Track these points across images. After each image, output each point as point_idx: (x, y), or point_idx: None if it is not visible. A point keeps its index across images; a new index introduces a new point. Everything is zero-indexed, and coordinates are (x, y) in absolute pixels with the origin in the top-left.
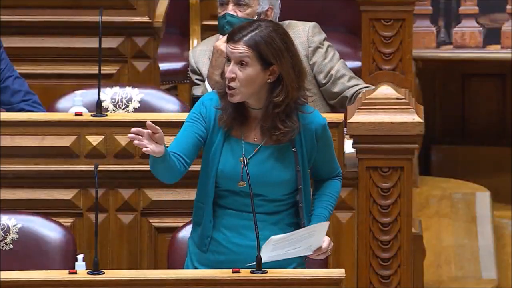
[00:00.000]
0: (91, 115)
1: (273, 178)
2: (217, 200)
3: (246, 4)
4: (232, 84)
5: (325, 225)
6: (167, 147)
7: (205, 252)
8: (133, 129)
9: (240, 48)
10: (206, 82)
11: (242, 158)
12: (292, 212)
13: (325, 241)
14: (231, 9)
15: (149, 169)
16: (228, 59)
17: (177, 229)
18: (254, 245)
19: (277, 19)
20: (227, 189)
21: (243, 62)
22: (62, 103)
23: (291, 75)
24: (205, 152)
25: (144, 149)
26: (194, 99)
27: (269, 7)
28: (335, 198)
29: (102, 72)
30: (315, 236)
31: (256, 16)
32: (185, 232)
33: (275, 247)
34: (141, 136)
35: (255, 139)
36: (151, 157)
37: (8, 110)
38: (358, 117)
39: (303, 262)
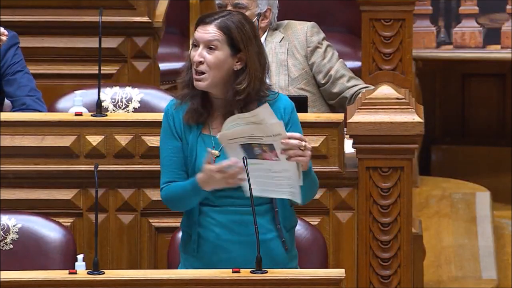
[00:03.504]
0: (91, 115)
1: None
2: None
3: (245, 7)
4: (201, 67)
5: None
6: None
7: (195, 256)
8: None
9: (211, 30)
10: None
11: (208, 150)
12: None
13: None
14: None
15: (149, 169)
16: (196, 45)
17: (177, 229)
18: (246, 241)
19: (276, 18)
20: None
21: (212, 46)
22: (62, 103)
23: (255, 63)
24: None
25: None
26: None
27: (268, 8)
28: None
29: (102, 72)
30: (266, 119)
31: (255, 18)
32: None
33: (231, 125)
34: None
35: None
36: (192, 193)
37: (12, 102)
38: (358, 117)
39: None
